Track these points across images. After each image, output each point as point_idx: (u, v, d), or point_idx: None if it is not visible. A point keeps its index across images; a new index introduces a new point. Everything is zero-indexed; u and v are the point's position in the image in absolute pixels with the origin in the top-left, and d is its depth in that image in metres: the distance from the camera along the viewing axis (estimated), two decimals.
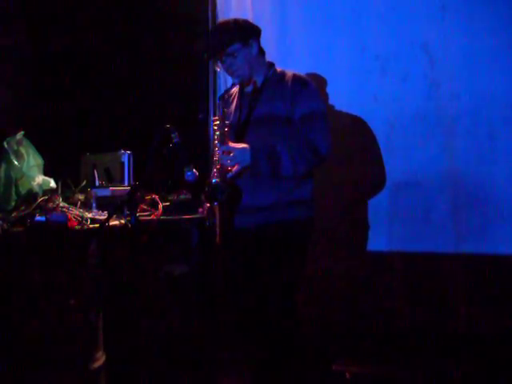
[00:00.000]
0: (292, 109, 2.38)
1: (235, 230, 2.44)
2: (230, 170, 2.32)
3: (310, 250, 2.47)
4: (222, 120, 2.37)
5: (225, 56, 2.44)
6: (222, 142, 2.35)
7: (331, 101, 3.24)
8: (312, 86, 2.45)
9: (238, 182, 2.39)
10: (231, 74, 2.50)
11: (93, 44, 3.93)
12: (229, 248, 2.51)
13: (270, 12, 3.44)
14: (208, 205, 2.45)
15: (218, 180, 2.30)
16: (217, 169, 2.33)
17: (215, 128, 2.40)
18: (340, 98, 3.24)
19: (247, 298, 2.48)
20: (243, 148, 2.33)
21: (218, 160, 2.33)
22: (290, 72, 2.49)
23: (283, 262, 2.38)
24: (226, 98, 2.60)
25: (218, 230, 2.38)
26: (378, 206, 3.15)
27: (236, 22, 2.51)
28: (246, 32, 2.46)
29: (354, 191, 3.20)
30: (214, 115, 2.39)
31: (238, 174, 2.33)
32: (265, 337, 2.42)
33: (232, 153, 2.30)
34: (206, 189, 2.32)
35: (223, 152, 2.31)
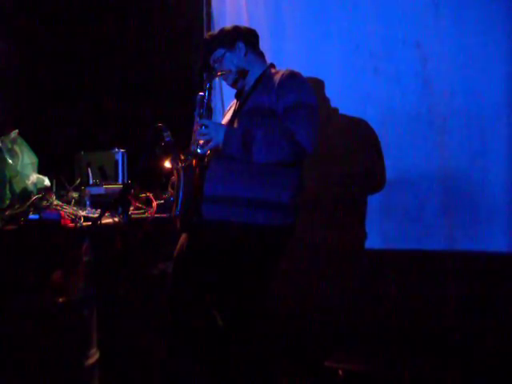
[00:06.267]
0: (277, 101, 2.30)
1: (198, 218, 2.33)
2: (203, 146, 2.31)
3: (280, 258, 2.41)
4: (205, 96, 2.37)
5: (212, 63, 2.48)
6: (202, 117, 2.36)
7: (324, 100, 3.25)
8: (300, 79, 2.37)
9: (211, 164, 2.35)
10: (225, 80, 2.54)
11: (87, 42, 3.95)
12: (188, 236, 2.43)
13: (263, 14, 3.44)
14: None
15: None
16: (192, 142, 2.33)
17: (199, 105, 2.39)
18: (333, 97, 3.25)
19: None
20: (219, 124, 2.37)
21: (194, 133, 2.34)
22: (283, 70, 2.43)
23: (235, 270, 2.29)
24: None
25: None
26: (370, 204, 3.17)
27: (222, 29, 2.55)
28: (231, 36, 2.47)
29: (347, 190, 3.20)
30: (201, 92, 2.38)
31: (210, 150, 2.31)
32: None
33: (207, 127, 2.30)
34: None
35: (200, 125, 2.31)
